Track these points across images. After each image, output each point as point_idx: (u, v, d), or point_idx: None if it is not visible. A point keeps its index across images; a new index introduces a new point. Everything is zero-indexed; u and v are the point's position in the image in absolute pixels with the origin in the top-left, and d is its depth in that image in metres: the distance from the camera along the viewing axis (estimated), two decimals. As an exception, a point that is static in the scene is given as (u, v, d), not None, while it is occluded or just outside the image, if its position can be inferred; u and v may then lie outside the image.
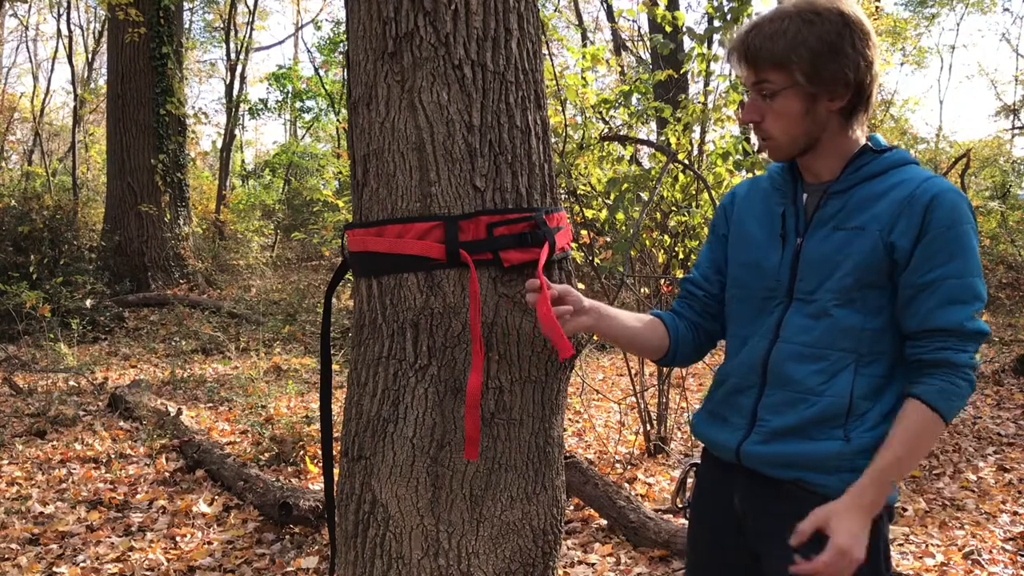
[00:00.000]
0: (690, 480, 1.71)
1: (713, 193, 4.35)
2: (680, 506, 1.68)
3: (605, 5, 18.14)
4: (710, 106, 4.93)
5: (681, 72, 5.67)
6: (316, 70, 19.29)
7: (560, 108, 4.82)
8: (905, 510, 3.97)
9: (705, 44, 4.74)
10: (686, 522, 1.70)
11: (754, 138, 1.76)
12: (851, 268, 1.43)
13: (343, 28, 14.84)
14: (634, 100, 5.19)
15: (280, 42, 38.64)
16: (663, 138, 5.01)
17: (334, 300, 9.81)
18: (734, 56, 1.48)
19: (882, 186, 1.44)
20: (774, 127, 1.46)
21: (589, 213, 4.93)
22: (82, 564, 3.48)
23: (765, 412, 1.49)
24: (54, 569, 3.43)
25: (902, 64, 21.45)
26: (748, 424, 1.51)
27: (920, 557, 3.46)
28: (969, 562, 3.39)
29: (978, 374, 6.58)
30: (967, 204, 1.42)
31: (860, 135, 1.49)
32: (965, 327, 1.38)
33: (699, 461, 1.68)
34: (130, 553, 3.58)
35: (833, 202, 1.47)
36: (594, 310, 1.54)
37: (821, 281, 1.45)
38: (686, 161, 4.75)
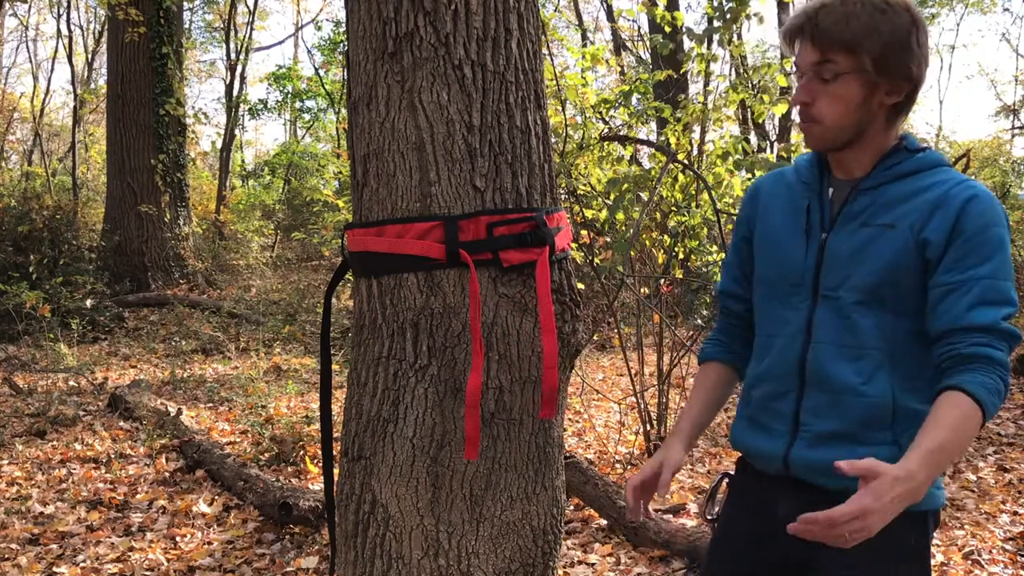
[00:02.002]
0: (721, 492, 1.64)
1: (713, 193, 4.35)
2: (709, 518, 1.62)
3: (605, 5, 18.14)
4: (710, 106, 4.93)
5: (681, 72, 5.67)
6: (316, 70, 19.28)
7: (560, 108, 4.82)
8: (905, 510, 3.97)
9: (704, 44, 4.74)
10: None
11: (795, 116, 1.68)
12: (879, 266, 1.40)
13: (343, 28, 14.84)
14: (634, 100, 5.18)
15: (280, 42, 38.69)
16: (663, 138, 5.01)
17: (334, 300, 9.80)
18: (795, 34, 1.43)
19: (914, 186, 1.42)
20: (826, 111, 1.42)
21: (589, 213, 4.94)
22: (82, 564, 3.48)
23: (807, 416, 1.44)
24: (54, 569, 3.43)
25: (902, 64, 21.38)
26: (791, 430, 1.46)
27: (920, 557, 3.46)
28: (969, 562, 3.39)
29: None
30: (1002, 208, 1.40)
31: (895, 134, 1.48)
32: (1000, 326, 1.33)
33: (732, 473, 1.62)
34: (130, 553, 3.58)
35: (862, 198, 1.45)
36: (683, 447, 1.56)
37: (845, 277, 1.43)
38: (686, 161, 4.74)
